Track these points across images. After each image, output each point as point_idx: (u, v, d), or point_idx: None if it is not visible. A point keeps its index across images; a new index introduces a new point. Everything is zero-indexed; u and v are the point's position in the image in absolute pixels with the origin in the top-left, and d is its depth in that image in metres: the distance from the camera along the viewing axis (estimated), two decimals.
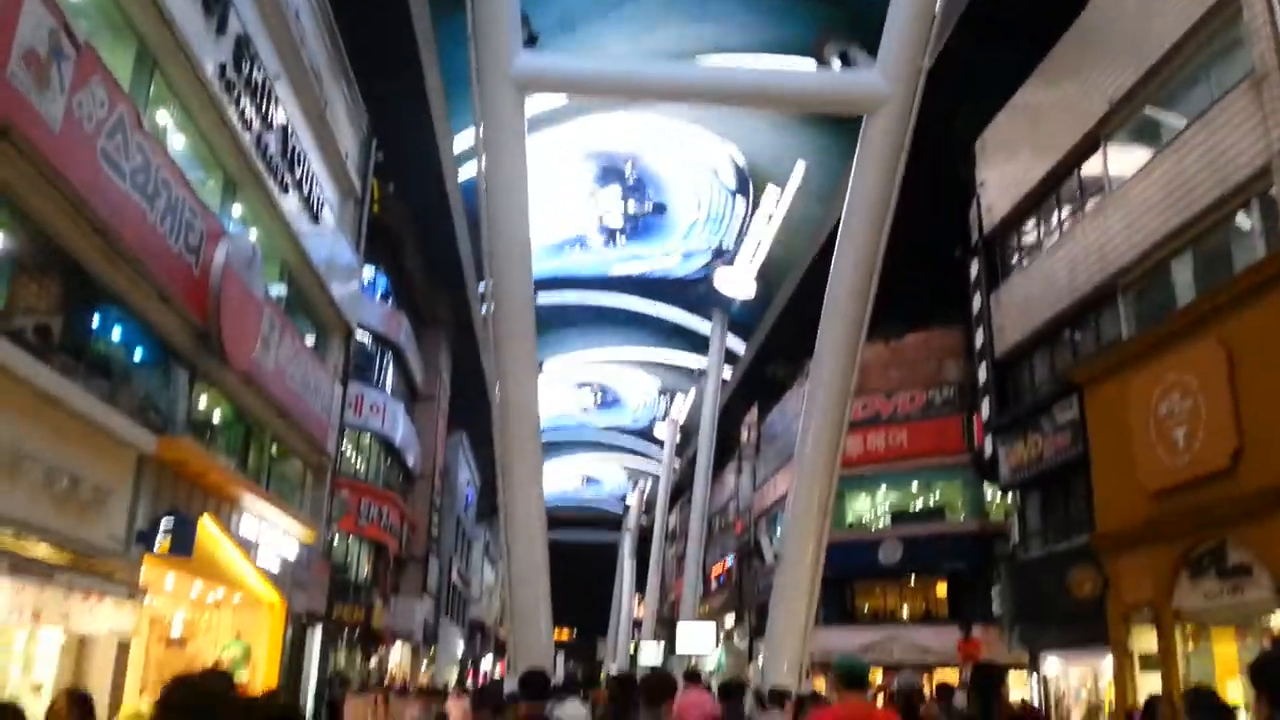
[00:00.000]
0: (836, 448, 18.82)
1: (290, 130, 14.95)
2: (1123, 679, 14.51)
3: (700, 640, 35.26)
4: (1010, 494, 21.00)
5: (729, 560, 46.50)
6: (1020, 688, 19.42)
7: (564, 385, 52.15)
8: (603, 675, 43.83)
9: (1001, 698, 7.60)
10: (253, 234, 14.16)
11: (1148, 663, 14.28)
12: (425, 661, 37.92)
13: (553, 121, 26.54)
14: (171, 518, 10.50)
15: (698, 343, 43.59)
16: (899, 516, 31.16)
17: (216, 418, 14.26)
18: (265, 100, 13.66)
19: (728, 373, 43.95)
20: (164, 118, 11.80)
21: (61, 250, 9.21)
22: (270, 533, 14.57)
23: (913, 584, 30.83)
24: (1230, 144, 13.64)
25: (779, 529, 29.91)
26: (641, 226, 36.10)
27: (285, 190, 14.82)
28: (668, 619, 54.99)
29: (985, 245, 21.40)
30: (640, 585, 64.39)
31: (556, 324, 38.60)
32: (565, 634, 69.78)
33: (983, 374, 21.57)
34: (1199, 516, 12.80)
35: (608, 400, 57.02)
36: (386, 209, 27.59)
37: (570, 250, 36.95)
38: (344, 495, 23.87)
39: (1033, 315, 19.18)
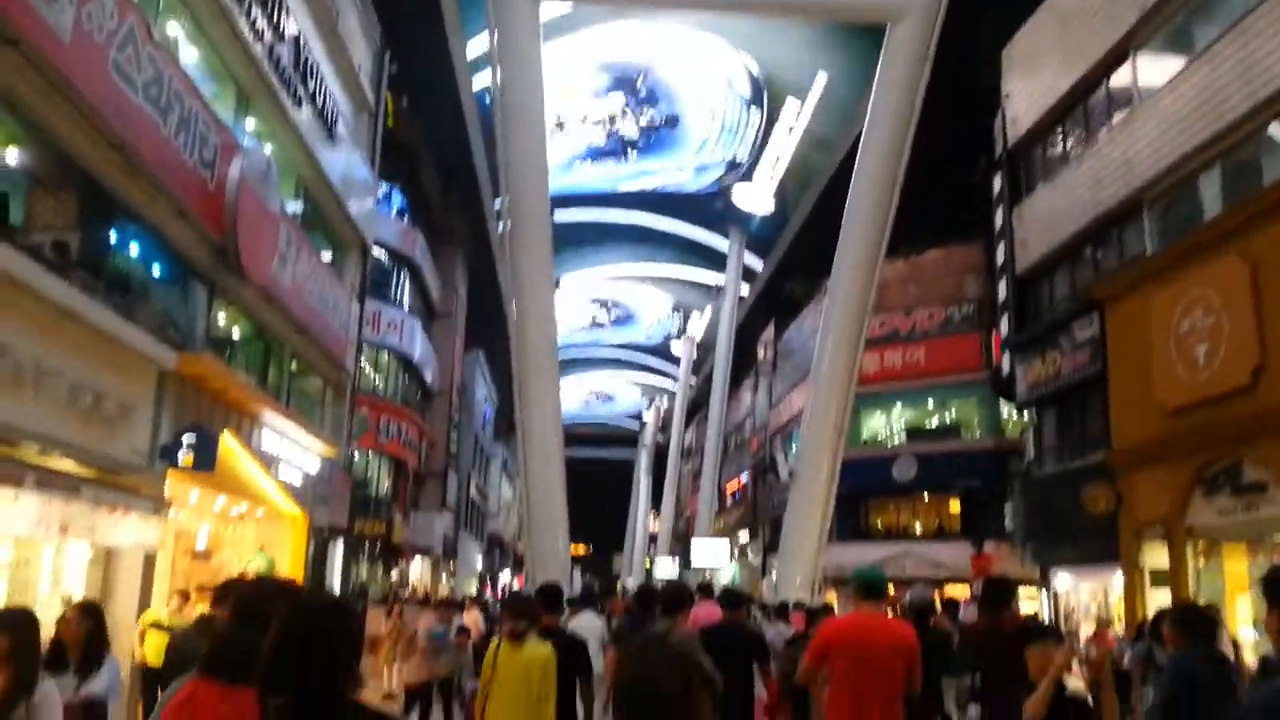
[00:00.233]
0: (853, 365, 18.85)
1: (302, 41, 14.70)
2: (1133, 594, 14.69)
3: (715, 556, 35.87)
4: (1026, 412, 20.99)
5: (744, 477, 46.94)
6: (1031, 603, 19.68)
7: (577, 302, 52.11)
8: (619, 588, 44.66)
9: (1013, 610, 7.69)
10: (267, 149, 14.03)
11: (1158, 579, 14.44)
12: (445, 575, 38.68)
13: (563, 30, 26.01)
14: (194, 434, 10.62)
15: (714, 259, 43.38)
16: (914, 433, 31.27)
17: (236, 335, 14.34)
18: (276, 10, 13.42)
19: (745, 290, 43.82)
20: (174, 29, 11.62)
21: (77, 165, 9.17)
22: (291, 448, 14.75)
23: (926, 501, 31.09)
24: (1264, 54, 13.24)
25: (794, 446, 30.11)
26: (654, 140, 35.65)
27: (299, 104, 14.65)
28: (683, 535, 55.83)
29: (1009, 159, 21.02)
30: (656, 502, 65.25)
31: (569, 241, 38.41)
32: (582, 549, 70.91)
33: (1003, 290, 21.39)
34: (1216, 433, 12.80)
35: (621, 317, 57.00)
36: (401, 123, 27.28)
37: (582, 165, 36.58)
38: (363, 412, 24.11)
39: (1055, 231, 18.92)
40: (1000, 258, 21.53)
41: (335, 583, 18.87)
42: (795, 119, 32.19)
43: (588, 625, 10.94)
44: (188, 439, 10.53)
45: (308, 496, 15.77)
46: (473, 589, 41.02)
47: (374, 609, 16.90)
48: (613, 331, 58.98)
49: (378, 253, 25.14)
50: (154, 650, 9.22)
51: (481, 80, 25.48)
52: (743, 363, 47.18)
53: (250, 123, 13.82)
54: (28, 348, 7.94)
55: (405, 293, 30.74)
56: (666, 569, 48.41)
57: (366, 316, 21.26)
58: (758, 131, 34.09)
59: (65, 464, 8.78)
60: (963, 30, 18.55)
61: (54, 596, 9.36)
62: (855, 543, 28.89)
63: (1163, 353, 13.91)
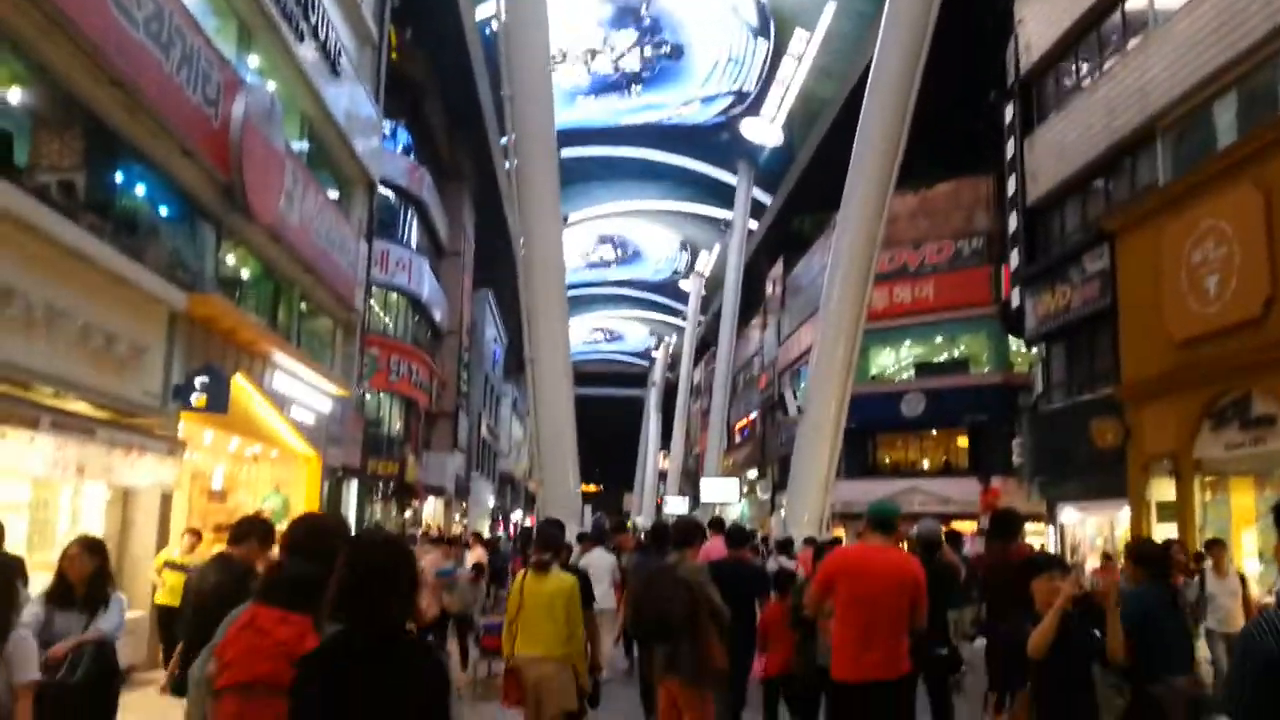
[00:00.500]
0: (862, 300, 18.80)
1: None
2: (1139, 528, 14.77)
3: (724, 494, 36.21)
4: (1035, 346, 20.93)
5: (753, 415, 47.12)
6: (1037, 538, 19.83)
7: (584, 239, 51.84)
8: (629, 525, 45.10)
9: (1019, 541, 7.77)
10: (271, 86, 13.88)
11: (1164, 513, 14.50)
12: (458, 514, 39.11)
13: None
14: (206, 375, 10.67)
15: (722, 194, 43.05)
16: (922, 368, 31.26)
17: (245, 275, 14.33)
18: None
19: (753, 225, 43.53)
20: None
21: (80, 104, 9.10)
22: (302, 389, 14.83)
23: (934, 436, 31.19)
24: None
25: (803, 383, 30.15)
26: (659, 72, 35.14)
27: (301, 38, 14.44)
28: (692, 473, 56.24)
29: (1021, 88, 20.66)
30: (666, 440, 65.62)
31: (573, 178, 38.14)
32: (593, 488, 71.55)
33: (1013, 223, 21.20)
34: (1226, 366, 12.76)
35: (628, 255, 56.74)
36: (405, 57, 26.91)
37: (585, 100, 36.13)
38: (374, 352, 24.17)
39: (1067, 161, 18.67)
40: (1011, 190, 21.30)
41: (350, 521, 19.08)
42: (804, 49, 31.70)
43: (599, 561, 11.11)
44: (200, 380, 10.59)
45: (320, 437, 15.89)
46: (485, 527, 41.48)
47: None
48: (620, 269, 58.78)
49: (384, 191, 24.99)
50: (168, 589, 9.38)
51: (485, 10, 25.07)
52: (751, 300, 47.08)
53: (253, 59, 13.65)
54: (38, 289, 7.97)
55: (413, 231, 30.61)
56: (677, 507, 48.86)
57: (374, 256, 21.21)
58: (764, 62, 33.58)
59: (79, 406, 8.86)
60: None
61: (72, 537, 9.48)
62: (863, 479, 29.06)
63: (1173, 285, 13.82)
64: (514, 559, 19.38)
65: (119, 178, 10.43)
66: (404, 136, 29.98)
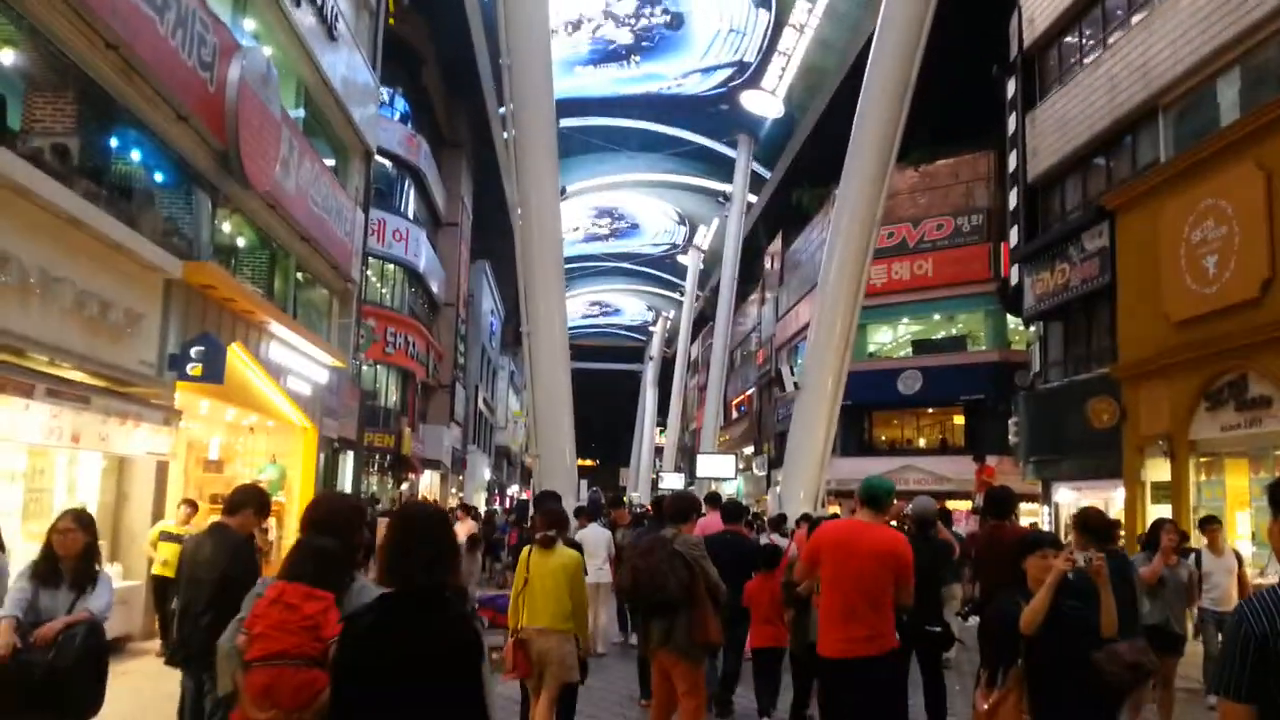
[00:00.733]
0: (861, 276, 18.73)
1: None
2: (1133, 507, 14.81)
3: (719, 470, 36.25)
4: (1033, 325, 20.91)
5: (750, 390, 47.15)
6: (1032, 519, 19.89)
7: (580, 212, 51.55)
8: (625, 500, 45.19)
9: (1014, 519, 7.77)
10: (267, 51, 13.74)
11: (1159, 494, 14.53)
12: (454, 488, 39.16)
13: None
14: (202, 344, 10.62)
15: (720, 166, 42.80)
16: (920, 346, 31.26)
17: (241, 244, 14.25)
18: None
19: (752, 198, 43.33)
20: None
21: (74, 67, 8.98)
22: (298, 360, 14.78)
23: (930, 414, 31.22)
24: None
25: (800, 359, 30.16)
26: (659, 42, 34.81)
27: (298, 2, 14.26)
28: (688, 448, 56.31)
29: (1023, 62, 20.52)
30: (662, 416, 65.66)
31: (570, 149, 37.90)
32: (588, 463, 71.70)
33: (1013, 199, 21.12)
34: (1222, 347, 12.75)
35: (625, 228, 56.48)
36: (402, 21, 26.63)
37: (583, 70, 35.82)
38: (370, 323, 24.12)
39: (1068, 137, 18.58)
40: (1012, 165, 21.21)
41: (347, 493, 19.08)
42: (805, 19, 31.45)
43: (594, 536, 11.15)
44: (196, 349, 10.54)
45: (317, 408, 15.86)
46: (481, 501, 41.59)
47: (383, 519, 17.12)
48: (617, 243, 58.52)
49: (381, 161, 24.83)
50: (164, 560, 9.38)
51: None
52: (749, 275, 46.98)
53: (249, 23, 13.48)
54: (32, 255, 7.90)
55: (410, 201, 30.47)
56: (673, 483, 49.01)
57: (371, 226, 21.10)
58: (765, 33, 33.30)
59: (75, 374, 8.82)
60: None
61: (69, 505, 9.48)
62: (859, 456, 29.14)
63: (1172, 264, 13.79)
64: (510, 531, 19.46)
65: (114, 143, 10.33)
66: (401, 104, 29.78)
